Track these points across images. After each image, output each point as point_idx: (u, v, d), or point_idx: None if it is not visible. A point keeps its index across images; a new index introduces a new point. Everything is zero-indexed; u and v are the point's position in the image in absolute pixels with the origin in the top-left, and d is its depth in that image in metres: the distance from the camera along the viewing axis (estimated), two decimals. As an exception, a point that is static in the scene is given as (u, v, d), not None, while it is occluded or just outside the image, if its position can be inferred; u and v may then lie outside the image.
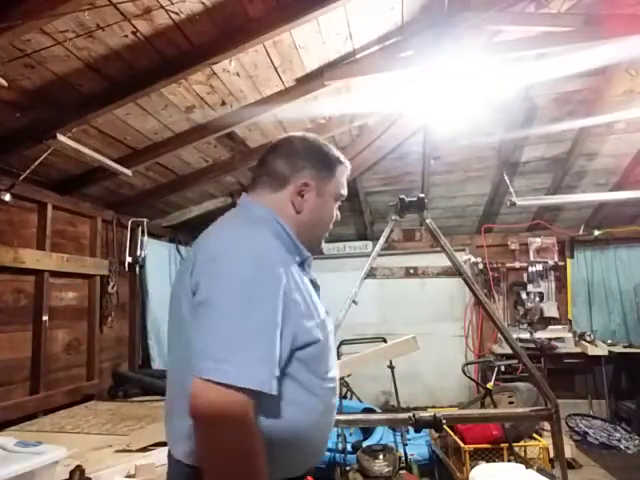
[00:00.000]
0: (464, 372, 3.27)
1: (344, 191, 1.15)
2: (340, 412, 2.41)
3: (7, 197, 2.67)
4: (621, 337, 4.91)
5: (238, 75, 2.48)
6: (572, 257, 5.10)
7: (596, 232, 4.88)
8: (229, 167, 3.59)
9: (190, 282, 0.93)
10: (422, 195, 2.20)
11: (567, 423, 4.27)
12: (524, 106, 3.73)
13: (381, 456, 3.00)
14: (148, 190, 3.68)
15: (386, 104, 3.40)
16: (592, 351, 4.47)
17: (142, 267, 4.04)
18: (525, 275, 5.08)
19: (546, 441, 2.97)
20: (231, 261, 0.90)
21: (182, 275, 1.00)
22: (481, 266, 5.16)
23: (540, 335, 4.68)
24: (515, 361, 3.21)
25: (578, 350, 4.58)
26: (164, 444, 2.18)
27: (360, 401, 4.18)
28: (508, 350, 3.80)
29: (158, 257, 4.25)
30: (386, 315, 5.42)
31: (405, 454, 3.21)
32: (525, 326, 4.90)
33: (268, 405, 0.90)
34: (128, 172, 2.99)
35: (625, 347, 4.62)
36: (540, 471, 2.34)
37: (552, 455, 2.83)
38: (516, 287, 5.15)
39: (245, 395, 0.82)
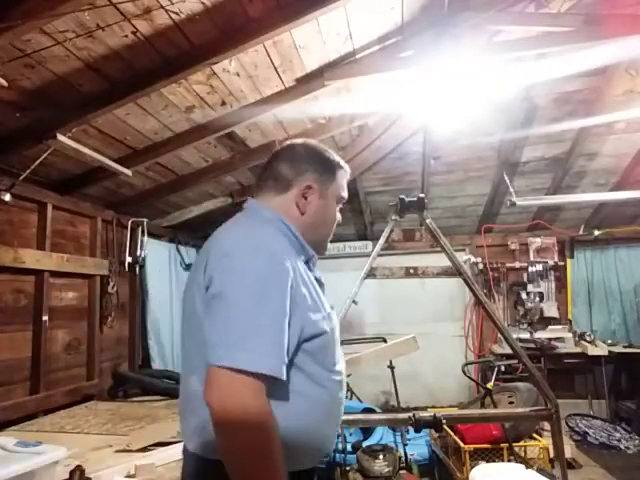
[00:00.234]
0: (464, 372, 3.27)
1: (345, 193, 1.21)
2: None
3: (7, 197, 2.67)
4: (621, 337, 4.91)
5: (238, 75, 2.48)
6: (572, 257, 5.10)
7: (596, 232, 4.88)
8: (229, 167, 3.59)
9: (203, 278, 0.97)
10: (422, 195, 2.20)
11: (567, 423, 4.27)
12: (524, 106, 3.73)
13: (381, 456, 3.00)
14: (148, 190, 3.68)
15: (386, 104, 3.40)
16: (592, 351, 4.47)
17: (142, 267, 4.04)
18: (525, 275, 5.08)
19: (546, 441, 2.97)
20: (243, 256, 0.95)
21: (194, 274, 1.04)
22: (481, 266, 5.16)
23: (540, 335, 4.68)
24: (515, 361, 3.21)
25: (578, 350, 4.58)
26: (164, 444, 2.19)
27: (360, 401, 4.18)
28: (508, 350, 3.80)
29: (158, 257, 4.25)
30: (386, 315, 5.42)
31: (405, 454, 3.20)
32: (525, 326, 4.90)
33: (277, 395, 0.94)
34: (128, 172, 2.99)
35: (625, 347, 4.62)
36: (540, 471, 2.34)
37: (552, 455, 2.83)
38: (516, 287, 5.15)
39: (257, 379, 0.87)
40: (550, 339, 4.62)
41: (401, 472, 3.05)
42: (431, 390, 5.24)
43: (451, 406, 4.69)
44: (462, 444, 2.85)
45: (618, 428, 4.22)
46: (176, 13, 1.90)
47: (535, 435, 3.12)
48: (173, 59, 2.17)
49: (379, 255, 2.45)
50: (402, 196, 2.24)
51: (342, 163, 1.20)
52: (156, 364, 4.00)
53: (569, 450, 3.47)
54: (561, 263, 5.07)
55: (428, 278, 5.45)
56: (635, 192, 4.00)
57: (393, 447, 3.20)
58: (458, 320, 5.37)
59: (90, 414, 2.90)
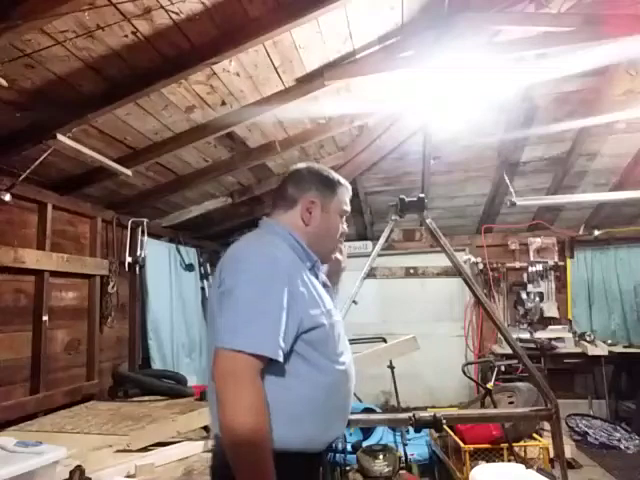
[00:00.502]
0: (464, 372, 3.27)
1: (347, 207, 1.37)
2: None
3: (7, 197, 2.67)
4: (621, 337, 4.91)
5: (238, 75, 2.48)
6: (572, 257, 5.10)
7: (596, 232, 4.88)
8: (229, 167, 3.59)
9: (219, 282, 1.14)
10: (422, 195, 2.20)
11: (567, 423, 4.27)
12: (524, 106, 3.73)
13: (381, 456, 3.00)
14: (148, 190, 3.68)
15: (386, 104, 3.40)
16: (592, 351, 4.47)
17: (142, 267, 4.03)
18: (525, 275, 5.08)
19: (546, 441, 2.98)
20: (249, 260, 1.13)
21: (214, 283, 1.20)
22: (481, 266, 5.16)
23: (540, 335, 4.68)
24: (515, 361, 3.20)
25: (578, 350, 4.58)
26: (164, 444, 2.19)
27: (360, 401, 4.18)
28: (508, 350, 3.81)
29: (158, 257, 4.25)
30: (386, 315, 5.42)
31: (405, 454, 3.20)
32: (525, 326, 4.91)
33: (282, 380, 1.10)
34: (128, 172, 2.99)
35: (625, 347, 4.63)
36: (540, 471, 2.35)
37: (552, 455, 2.84)
38: (516, 287, 5.15)
39: (253, 359, 1.02)
40: (550, 339, 4.62)
41: (401, 472, 3.05)
42: (431, 390, 5.24)
43: (451, 406, 4.69)
44: (462, 444, 2.85)
45: (618, 428, 4.22)
46: (176, 13, 1.90)
47: (535, 435, 3.12)
48: (173, 59, 2.16)
49: (379, 255, 2.45)
50: (402, 196, 2.24)
51: (342, 181, 1.36)
52: (156, 364, 4.00)
53: (569, 450, 3.47)
54: (561, 263, 5.07)
55: (428, 278, 5.46)
56: (635, 192, 4.00)
57: (393, 447, 3.21)
58: (458, 320, 5.36)
59: (90, 414, 2.90)
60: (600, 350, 4.48)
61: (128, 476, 1.89)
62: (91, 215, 3.58)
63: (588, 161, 4.30)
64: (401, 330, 4.31)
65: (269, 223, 1.31)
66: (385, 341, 3.30)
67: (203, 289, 4.92)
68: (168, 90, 2.42)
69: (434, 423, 1.81)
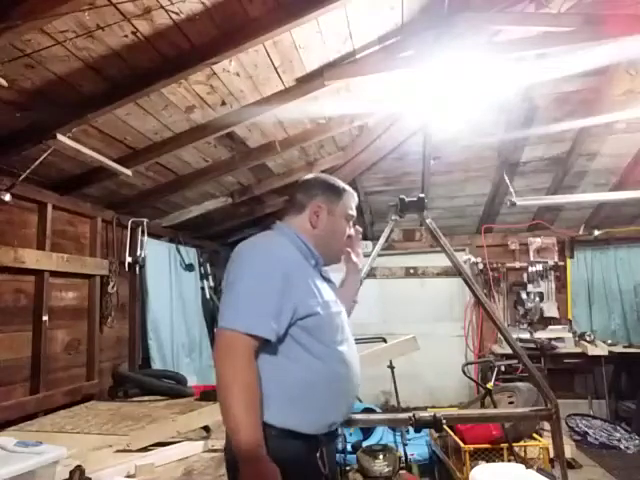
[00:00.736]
0: (464, 372, 3.26)
1: (352, 212, 1.54)
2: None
3: (7, 197, 2.67)
4: (621, 337, 4.91)
5: (238, 75, 2.48)
6: (572, 257, 5.10)
7: (596, 232, 4.88)
8: (229, 167, 3.59)
9: (226, 275, 1.29)
10: (422, 195, 2.19)
11: (567, 423, 4.27)
12: (524, 106, 3.73)
13: (381, 456, 3.00)
14: (148, 190, 3.68)
15: (386, 104, 3.40)
16: (592, 351, 4.47)
17: (142, 267, 4.03)
18: (525, 275, 5.08)
19: (546, 441, 2.97)
20: (250, 255, 1.28)
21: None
22: (481, 266, 5.16)
23: (540, 335, 4.68)
24: (515, 361, 3.20)
25: (578, 350, 4.58)
26: (164, 444, 2.19)
27: (360, 401, 4.18)
28: (508, 350, 3.81)
29: (158, 257, 4.25)
30: (386, 315, 5.42)
31: (405, 454, 3.20)
32: (525, 326, 4.91)
33: (279, 361, 1.23)
34: (128, 172, 2.99)
35: (625, 347, 4.63)
36: (540, 471, 2.35)
37: (552, 455, 2.84)
38: (516, 287, 5.15)
39: (247, 338, 1.15)
40: (550, 339, 4.62)
41: (401, 472, 3.05)
42: (431, 390, 5.24)
43: (451, 406, 4.69)
44: (462, 444, 2.85)
45: (618, 428, 4.22)
46: (176, 13, 1.90)
47: (535, 435, 3.12)
48: (173, 59, 2.16)
49: (379, 255, 2.44)
50: (402, 196, 2.23)
51: (347, 188, 1.53)
52: (156, 364, 4.00)
53: (569, 450, 3.47)
54: (561, 263, 5.07)
55: (428, 278, 5.46)
56: (635, 192, 3.99)
57: (393, 447, 3.21)
58: (458, 320, 5.36)
59: (90, 414, 2.90)
60: (600, 350, 4.48)
61: (128, 476, 1.89)
62: (91, 215, 3.58)
63: (588, 161, 4.30)
64: (401, 330, 4.31)
65: (279, 226, 1.45)
66: (385, 341, 3.30)
67: (203, 289, 4.92)
68: (168, 90, 2.42)
69: (434, 423, 1.81)
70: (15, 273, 2.84)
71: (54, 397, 3.03)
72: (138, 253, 3.93)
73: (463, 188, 4.76)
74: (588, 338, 4.61)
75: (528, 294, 4.99)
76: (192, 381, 3.85)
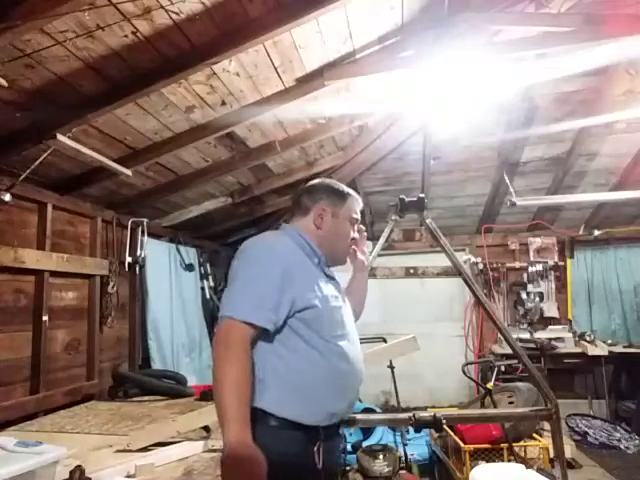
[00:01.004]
0: (464, 372, 3.26)
1: (356, 215, 1.56)
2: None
3: (7, 197, 2.67)
4: (621, 337, 4.91)
5: (238, 75, 2.48)
6: (572, 257, 5.10)
7: (596, 232, 4.88)
8: (229, 167, 3.59)
9: (231, 271, 1.34)
10: (422, 195, 2.19)
11: (567, 423, 4.27)
12: (524, 106, 3.73)
13: (381, 456, 3.00)
14: (148, 190, 3.68)
15: (386, 104, 3.40)
16: (592, 351, 4.47)
17: (142, 267, 4.03)
18: (525, 275, 5.08)
19: (546, 441, 2.97)
20: (252, 251, 1.36)
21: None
22: (481, 266, 5.16)
23: (540, 335, 4.68)
24: (515, 361, 3.20)
25: (578, 350, 4.58)
26: (164, 444, 2.19)
27: (360, 401, 4.18)
28: (508, 350, 3.81)
29: (158, 257, 4.25)
30: (386, 315, 5.42)
31: (405, 454, 3.21)
32: (525, 326, 4.91)
33: (279, 351, 1.27)
34: (128, 172, 2.99)
35: (625, 347, 4.63)
36: (540, 471, 2.35)
37: (552, 455, 2.84)
38: (516, 287, 5.15)
39: (245, 326, 1.20)
40: (550, 339, 4.62)
41: (401, 472, 3.05)
42: (431, 390, 5.24)
43: (451, 406, 4.69)
44: (462, 444, 2.85)
45: (618, 428, 4.22)
46: (176, 13, 1.90)
47: (535, 435, 3.12)
48: (173, 59, 2.16)
49: (379, 255, 2.44)
50: (402, 196, 2.23)
51: (352, 192, 1.57)
52: (156, 364, 4.00)
53: (569, 450, 3.47)
54: (561, 263, 5.08)
55: (428, 278, 5.46)
56: (635, 192, 4.00)
57: (393, 447, 3.21)
58: (458, 320, 5.37)
59: (90, 414, 2.90)
60: (600, 350, 4.48)
61: (128, 476, 1.89)
62: (91, 215, 3.58)
63: (588, 161, 4.30)
64: (401, 330, 4.31)
65: (285, 227, 1.53)
66: (385, 341, 3.30)
67: (203, 289, 4.92)
68: (168, 90, 2.42)
69: (434, 423, 1.80)
70: (15, 273, 2.83)
71: (54, 397, 3.03)
72: (138, 253, 3.93)
73: (463, 188, 4.76)
74: (588, 338, 4.62)
75: (528, 294, 4.99)
76: (192, 381, 3.84)
